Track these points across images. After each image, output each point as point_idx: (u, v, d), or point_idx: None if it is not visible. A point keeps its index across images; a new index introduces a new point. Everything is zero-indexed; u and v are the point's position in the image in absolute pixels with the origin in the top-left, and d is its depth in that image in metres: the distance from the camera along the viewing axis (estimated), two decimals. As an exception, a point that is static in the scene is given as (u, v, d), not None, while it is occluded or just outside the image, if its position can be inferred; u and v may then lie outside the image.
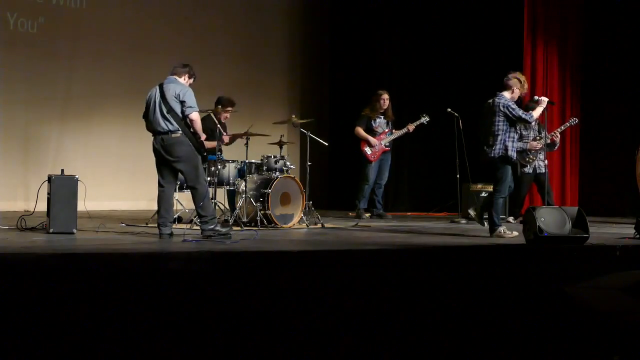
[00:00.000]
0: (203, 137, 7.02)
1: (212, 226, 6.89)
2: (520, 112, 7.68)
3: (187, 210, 8.86)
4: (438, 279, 5.89)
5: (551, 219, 6.91)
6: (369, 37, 13.08)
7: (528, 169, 9.52)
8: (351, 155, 13.18)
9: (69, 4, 11.44)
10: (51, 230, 7.14)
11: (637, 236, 7.63)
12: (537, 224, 6.79)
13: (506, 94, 7.79)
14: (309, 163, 9.25)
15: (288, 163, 9.02)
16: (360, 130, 10.46)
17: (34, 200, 7.59)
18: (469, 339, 3.92)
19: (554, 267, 6.47)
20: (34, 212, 7.70)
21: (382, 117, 10.50)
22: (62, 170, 7.42)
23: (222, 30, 12.84)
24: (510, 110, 7.64)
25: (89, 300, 4.58)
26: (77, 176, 7.33)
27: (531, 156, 9.44)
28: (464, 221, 9.96)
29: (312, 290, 5.25)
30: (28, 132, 11.07)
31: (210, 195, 8.83)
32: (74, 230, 7.16)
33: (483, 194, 10.61)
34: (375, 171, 10.47)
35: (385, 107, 10.46)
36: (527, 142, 9.43)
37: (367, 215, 10.46)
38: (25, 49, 10.98)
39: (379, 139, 10.42)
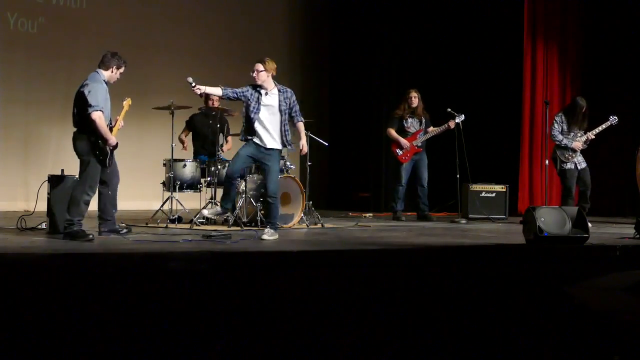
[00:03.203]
0: (111, 140, 6.73)
1: (76, 228, 6.67)
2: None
3: (187, 210, 8.86)
4: (438, 279, 5.88)
5: (551, 219, 6.90)
6: (369, 37, 13.08)
7: (569, 165, 9.47)
8: (351, 155, 13.23)
9: (69, 4, 11.44)
10: (51, 230, 7.13)
11: (637, 236, 7.63)
12: (537, 224, 6.79)
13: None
14: (309, 163, 9.24)
15: (288, 163, 9.02)
16: (391, 132, 10.32)
17: (34, 200, 7.59)
18: (469, 339, 3.92)
19: (554, 267, 6.47)
20: (34, 212, 7.70)
21: (413, 116, 10.31)
22: (62, 170, 7.41)
23: (222, 30, 12.84)
24: None
25: (89, 300, 4.57)
26: (77, 176, 7.32)
27: (572, 153, 9.42)
28: (463, 221, 9.96)
29: (312, 290, 5.25)
30: (28, 132, 11.07)
31: (210, 195, 8.87)
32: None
33: (483, 194, 10.63)
34: (408, 172, 10.34)
35: (415, 105, 10.21)
36: (572, 141, 9.41)
37: (404, 217, 10.33)
38: (25, 49, 10.98)
39: (411, 139, 10.28)
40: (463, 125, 10.02)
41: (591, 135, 9.43)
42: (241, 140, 7.54)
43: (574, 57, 11.89)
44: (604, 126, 9.44)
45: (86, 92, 6.71)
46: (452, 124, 10.04)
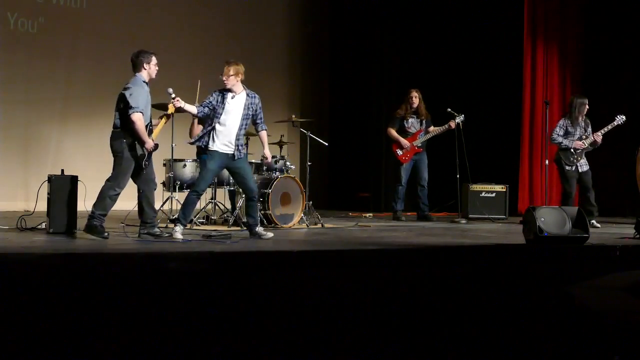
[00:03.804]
0: (148, 143, 6.81)
1: (96, 222, 6.78)
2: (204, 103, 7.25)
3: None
4: (438, 279, 5.89)
5: (551, 219, 6.90)
6: (369, 37, 13.09)
7: (571, 167, 9.51)
8: (351, 155, 13.23)
9: (69, 4, 11.44)
10: (51, 230, 7.13)
11: (637, 236, 7.63)
12: (537, 224, 6.79)
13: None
14: (309, 163, 9.24)
15: (288, 163, 9.02)
16: (392, 131, 10.31)
17: (34, 200, 7.59)
18: (470, 339, 3.92)
19: (554, 267, 6.47)
20: (34, 212, 7.70)
21: (414, 116, 10.32)
22: (62, 170, 7.42)
23: (222, 30, 12.84)
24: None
25: (89, 300, 4.57)
26: (77, 176, 7.33)
27: (576, 155, 9.44)
28: (463, 221, 9.96)
29: (312, 290, 5.25)
30: (28, 132, 11.07)
31: (210, 195, 8.87)
32: (74, 230, 7.16)
33: (483, 194, 10.63)
34: (408, 172, 10.33)
35: (415, 105, 10.18)
36: (573, 141, 9.43)
37: (404, 217, 10.35)
38: (25, 49, 10.98)
39: (411, 140, 10.28)
40: (463, 125, 10.03)
41: (597, 137, 9.39)
42: (202, 146, 7.25)
43: (574, 57, 11.88)
44: (610, 127, 9.44)
45: (127, 94, 6.81)
46: (452, 124, 10.05)
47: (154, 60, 7.06)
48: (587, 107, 9.53)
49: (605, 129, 9.44)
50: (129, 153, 6.83)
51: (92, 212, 6.84)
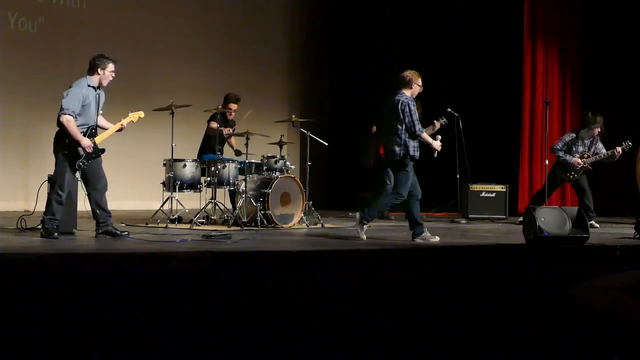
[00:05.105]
0: (84, 141, 6.79)
1: (47, 226, 6.76)
2: (414, 118, 7.25)
3: (187, 210, 8.85)
4: (438, 279, 5.89)
5: (551, 219, 6.91)
6: (369, 36, 13.09)
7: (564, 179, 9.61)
8: (351, 155, 13.22)
9: (69, 4, 11.44)
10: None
11: (637, 236, 7.63)
12: (537, 224, 6.79)
13: (406, 92, 7.45)
14: (309, 163, 9.24)
15: (288, 163, 9.02)
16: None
17: (34, 200, 7.59)
18: (469, 339, 3.92)
19: (554, 267, 6.48)
20: (34, 212, 7.70)
21: None
22: (63, 170, 7.40)
23: (222, 30, 12.84)
24: (407, 111, 7.25)
25: (89, 300, 4.58)
26: (77, 176, 7.33)
27: (574, 172, 9.47)
28: (464, 221, 9.97)
29: (312, 290, 5.25)
30: (28, 132, 11.06)
31: (211, 195, 8.87)
32: (74, 230, 7.16)
33: (483, 194, 10.63)
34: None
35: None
36: (572, 158, 9.45)
37: (392, 216, 10.40)
38: (25, 49, 10.98)
39: None
40: (463, 125, 10.03)
41: (617, 151, 9.39)
42: (403, 155, 7.27)
43: (574, 57, 11.88)
44: (619, 149, 9.49)
45: (64, 94, 6.80)
46: (437, 124, 10.11)
47: (110, 67, 6.99)
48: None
49: (609, 152, 9.48)
50: (63, 153, 6.82)
51: (42, 218, 6.83)
